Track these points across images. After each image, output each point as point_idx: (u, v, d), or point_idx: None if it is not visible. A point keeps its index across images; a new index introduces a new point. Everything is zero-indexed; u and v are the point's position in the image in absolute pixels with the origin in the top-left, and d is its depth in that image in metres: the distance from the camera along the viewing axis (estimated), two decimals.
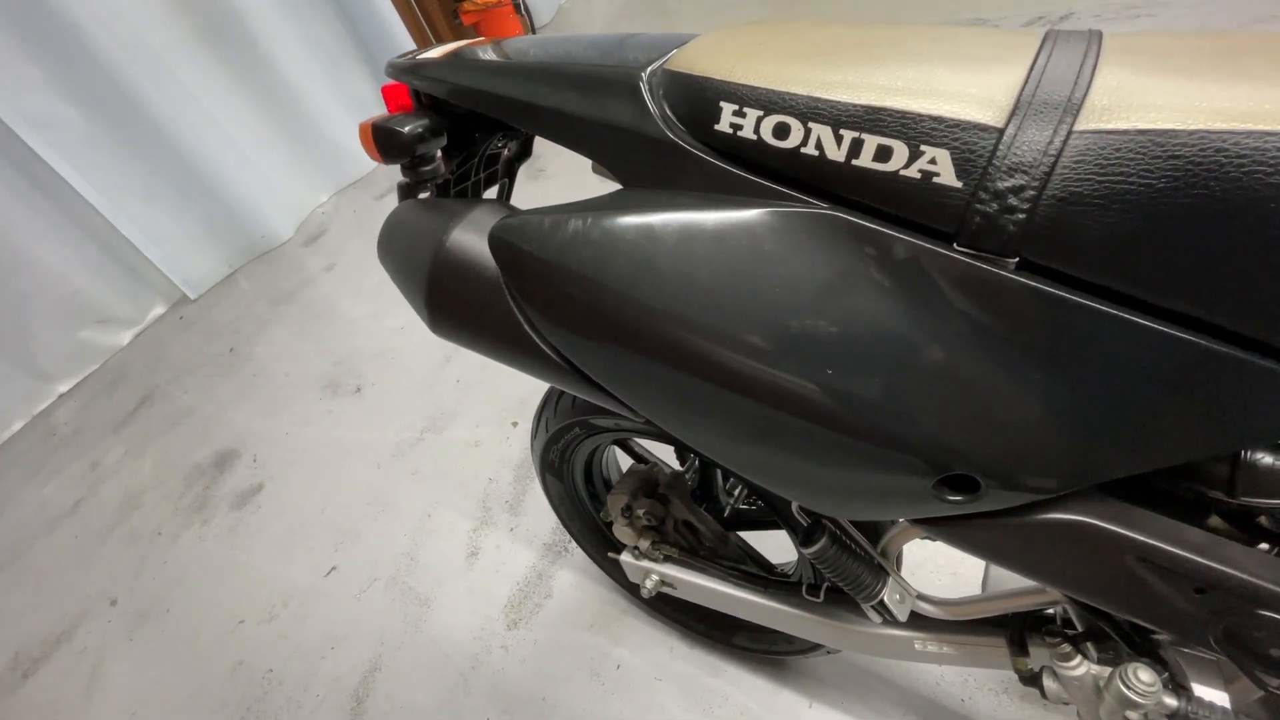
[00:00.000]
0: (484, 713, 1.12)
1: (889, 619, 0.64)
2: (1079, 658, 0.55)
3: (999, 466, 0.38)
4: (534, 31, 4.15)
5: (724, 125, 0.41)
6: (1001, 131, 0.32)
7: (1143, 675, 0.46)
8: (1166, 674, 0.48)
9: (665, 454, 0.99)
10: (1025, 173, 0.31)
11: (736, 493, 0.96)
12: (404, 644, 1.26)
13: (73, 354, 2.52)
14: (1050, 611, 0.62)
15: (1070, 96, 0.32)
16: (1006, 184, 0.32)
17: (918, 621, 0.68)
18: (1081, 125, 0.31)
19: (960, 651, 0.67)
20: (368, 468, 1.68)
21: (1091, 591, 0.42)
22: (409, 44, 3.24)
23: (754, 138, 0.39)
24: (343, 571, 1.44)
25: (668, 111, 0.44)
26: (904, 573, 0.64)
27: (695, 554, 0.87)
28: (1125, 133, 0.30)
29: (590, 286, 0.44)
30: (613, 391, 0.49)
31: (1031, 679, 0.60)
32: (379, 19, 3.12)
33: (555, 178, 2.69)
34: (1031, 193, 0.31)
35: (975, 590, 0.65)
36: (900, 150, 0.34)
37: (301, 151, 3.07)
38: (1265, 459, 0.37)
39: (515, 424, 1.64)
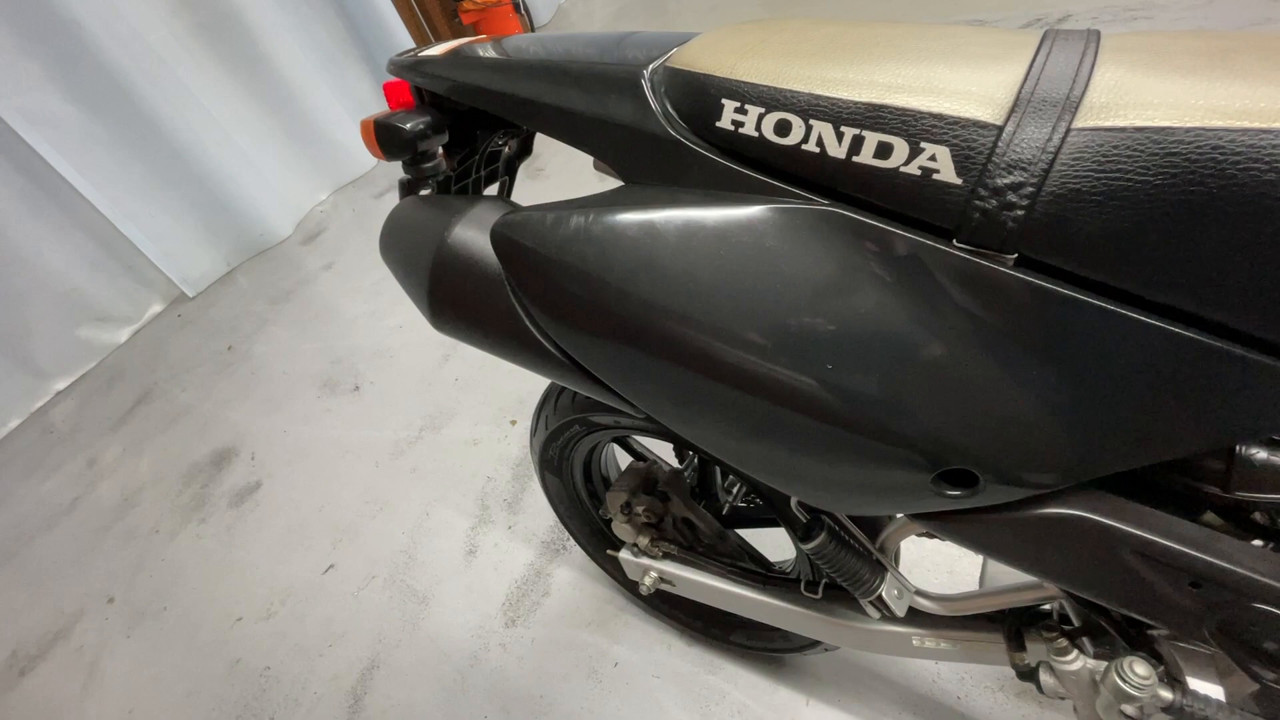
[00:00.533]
0: (482, 710, 1.12)
1: (887, 615, 0.64)
2: (1075, 652, 0.55)
3: (997, 461, 0.38)
4: (533, 31, 4.15)
5: (725, 122, 0.41)
6: (1001, 129, 0.32)
7: (1138, 669, 0.46)
8: (1162, 668, 0.48)
9: (664, 452, 1.00)
10: (1024, 169, 0.32)
11: (735, 490, 0.96)
12: (402, 642, 1.26)
13: (71, 351, 2.51)
14: (1047, 607, 0.63)
15: (1069, 94, 0.32)
16: (1006, 181, 0.32)
17: (915, 617, 0.69)
18: (1080, 123, 0.31)
19: (957, 647, 0.68)
20: (366, 466, 1.68)
21: (1088, 586, 0.43)
22: (408, 43, 3.24)
23: (755, 134, 0.40)
24: (341, 569, 1.44)
25: (669, 108, 0.44)
26: (902, 569, 0.65)
27: (694, 551, 0.87)
28: (1123, 130, 0.30)
29: (592, 282, 0.44)
30: (613, 387, 0.50)
31: (1028, 674, 0.61)
32: (378, 17, 3.13)
33: (555, 176, 2.69)
34: (1030, 189, 0.32)
35: (973, 586, 0.65)
36: (901, 147, 0.35)
37: (300, 149, 3.06)
38: (1260, 454, 0.37)
39: (514, 422, 1.64)
